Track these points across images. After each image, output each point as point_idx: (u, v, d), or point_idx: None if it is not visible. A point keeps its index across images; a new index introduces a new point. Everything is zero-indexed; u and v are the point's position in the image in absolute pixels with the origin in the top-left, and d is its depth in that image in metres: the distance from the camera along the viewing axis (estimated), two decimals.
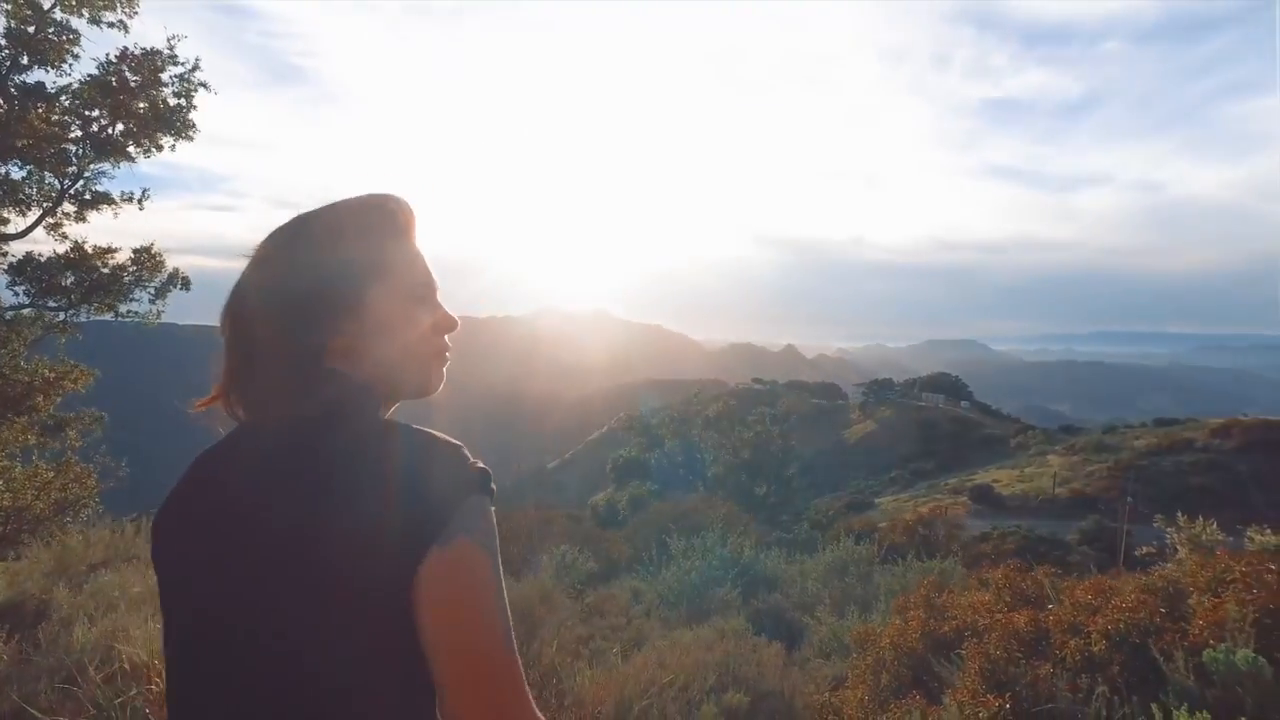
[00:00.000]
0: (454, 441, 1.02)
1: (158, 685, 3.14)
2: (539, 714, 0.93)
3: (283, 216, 1.12)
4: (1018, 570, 6.06)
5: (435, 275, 1.18)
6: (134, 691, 3.06)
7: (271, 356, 1.02)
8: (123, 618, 3.71)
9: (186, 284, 11.41)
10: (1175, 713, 3.37)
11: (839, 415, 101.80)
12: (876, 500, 46.66)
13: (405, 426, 1.03)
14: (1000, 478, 52.38)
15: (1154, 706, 3.47)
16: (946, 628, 5.37)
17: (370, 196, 1.12)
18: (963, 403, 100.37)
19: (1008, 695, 3.95)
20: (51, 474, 9.65)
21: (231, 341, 1.06)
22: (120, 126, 10.30)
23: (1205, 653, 3.66)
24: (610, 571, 12.97)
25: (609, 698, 4.33)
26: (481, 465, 1.00)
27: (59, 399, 9.92)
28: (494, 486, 1.01)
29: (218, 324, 1.08)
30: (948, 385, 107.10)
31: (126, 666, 3.26)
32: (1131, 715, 3.56)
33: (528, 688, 0.93)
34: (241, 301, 1.06)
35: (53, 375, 9.68)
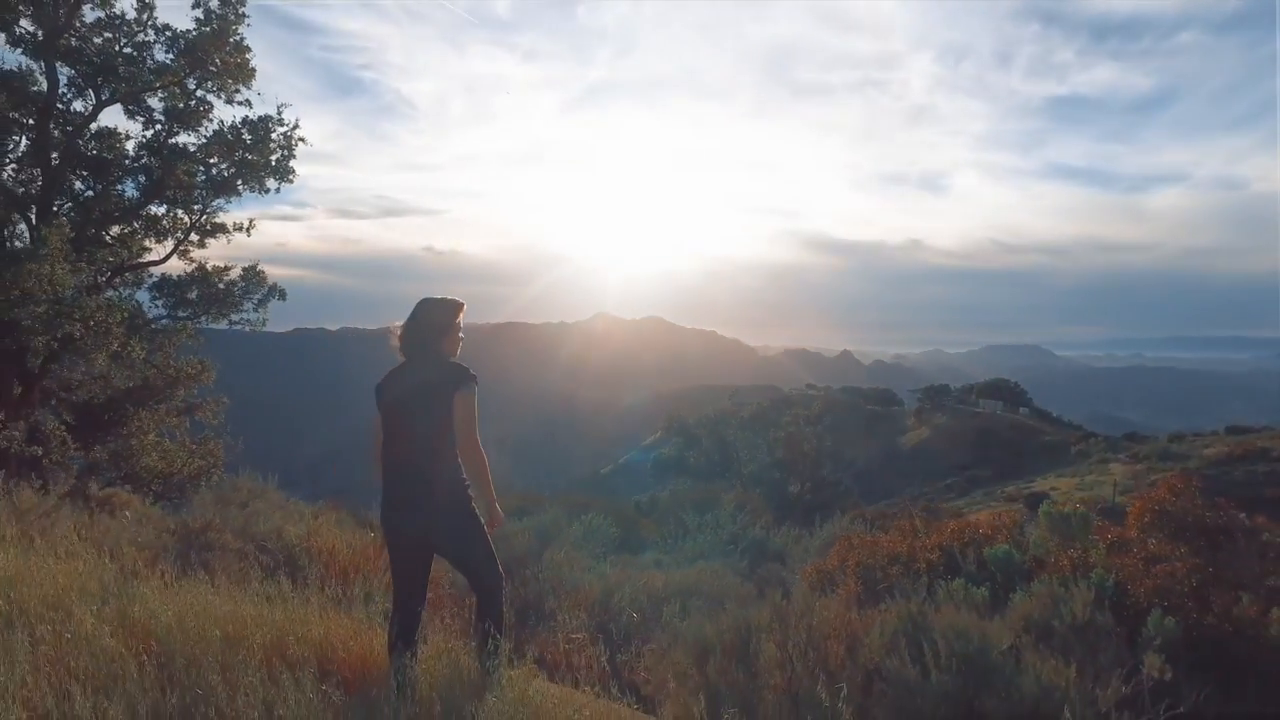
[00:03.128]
0: (467, 367, 3.35)
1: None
2: (482, 449, 3.20)
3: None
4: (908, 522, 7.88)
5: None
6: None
7: (423, 341, 3.37)
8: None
9: (283, 295, 13.93)
10: (955, 581, 5.20)
11: (895, 421, 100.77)
12: (928, 508, 47.11)
13: (455, 363, 3.44)
14: (1059, 486, 51.67)
15: (949, 582, 5.31)
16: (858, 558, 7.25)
17: (455, 299, 3.50)
18: (1022, 409, 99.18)
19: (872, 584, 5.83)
20: (195, 446, 12.38)
21: (410, 331, 3.46)
22: (231, 171, 12.93)
23: (985, 550, 5.49)
24: (637, 546, 14.80)
25: (598, 589, 6.33)
26: (473, 373, 3.32)
27: (195, 389, 12.65)
28: (477, 382, 3.34)
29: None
30: (1006, 391, 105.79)
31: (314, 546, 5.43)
32: (933, 586, 5.41)
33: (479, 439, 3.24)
34: (417, 320, 3.45)
35: (191, 371, 12.40)
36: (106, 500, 7.47)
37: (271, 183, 12.91)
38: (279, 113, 12.73)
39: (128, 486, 11.25)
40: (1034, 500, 44.01)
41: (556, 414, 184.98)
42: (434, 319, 3.46)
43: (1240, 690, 3.95)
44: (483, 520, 3.43)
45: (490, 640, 3.16)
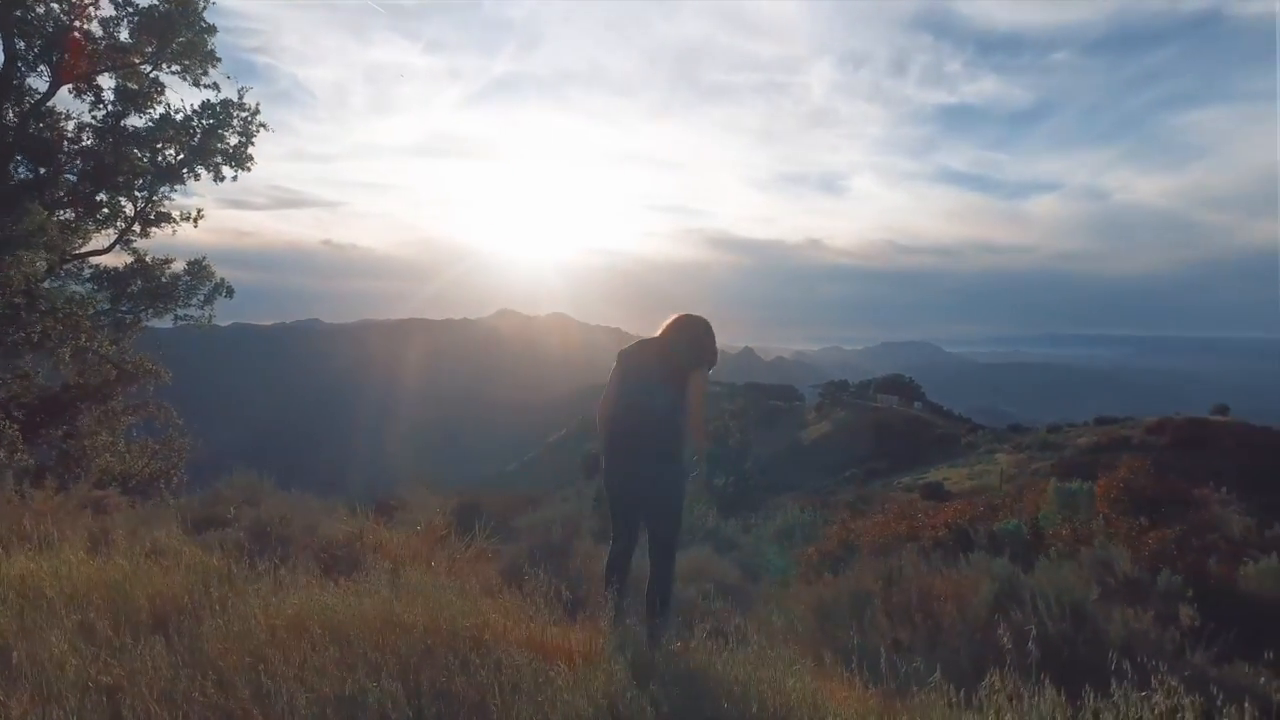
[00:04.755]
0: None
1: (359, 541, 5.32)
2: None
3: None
4: (904, 506, 8.51)
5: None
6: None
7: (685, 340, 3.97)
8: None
9: (230, 292, 13.39)
10: (974, 554, 5.74)
11: (796, 416, 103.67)
12: (828, 500, 49.09)
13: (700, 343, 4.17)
14: (951, 476, 54.66)
15: (964, 556, 5.84)
16: (854, 539, 7.77)
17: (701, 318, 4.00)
18: (916, 404, 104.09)
19: (887, 563, 6.31)
20: (157, 446, 11.73)
21: (675, 324, 4.11)
22: (181, 156, 12.34)
23: (995, 525, 6.07)
24: (604, 539, 14.98)
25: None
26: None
27: (152, 387, 12.01)
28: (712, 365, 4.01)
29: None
30: (902, 387, 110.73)
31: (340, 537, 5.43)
32: (950, 562, 5.94)
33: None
34: (685, 322, 4.06)
35: (150, 367, 11.77)
36: (99, 501, 7.12)
37: (229, 170, 12.37)
38: (240, 96, 12.21)
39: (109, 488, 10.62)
40: (929, 490, 46.52)
41: (459, 412, 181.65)
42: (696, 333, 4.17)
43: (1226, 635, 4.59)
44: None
45: (661, 605, 3.50)
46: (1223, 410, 63.29)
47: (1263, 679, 3.43)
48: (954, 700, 2.59)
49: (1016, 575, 3.92)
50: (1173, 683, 2.49)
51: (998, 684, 2.60)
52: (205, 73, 11.85)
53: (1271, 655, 3.75)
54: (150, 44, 11.26)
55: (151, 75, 11.65)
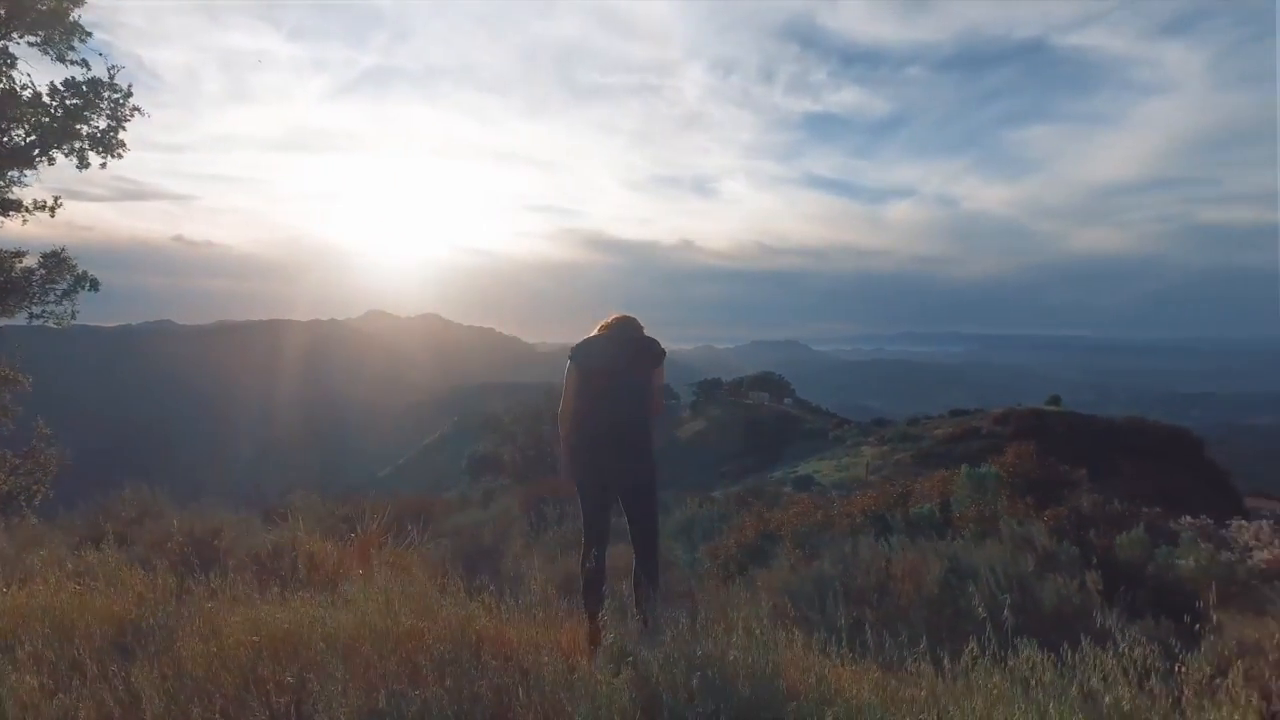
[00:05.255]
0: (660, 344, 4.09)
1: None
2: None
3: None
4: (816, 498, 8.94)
5: None
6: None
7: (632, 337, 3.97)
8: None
9: (95, 285, 12.25)
10: (892, 537, 6.15)
11: (671, 415, 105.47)
12: (706, 495, 50.16)
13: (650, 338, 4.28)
14: (821, 468, 57.16)
15: (885, 539, 6.23)
16: (771, 528, 8.09)
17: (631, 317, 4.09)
18: (786, 400, 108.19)
19: (807, 549, 6.63)
20: (18, 460, 10.47)
21: (616, 322, 4.20)
22: (33, 139, 11.16)
23: (912, 509, 6.52)
24: None
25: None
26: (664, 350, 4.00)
27: (9, 395, 10.74)
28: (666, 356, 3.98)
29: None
30: (773, 384, 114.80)
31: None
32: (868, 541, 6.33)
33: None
34: (625, 320, 4.09)
35: (5, 374, 10.54)
36: None
37: (95, 157, 11.24)
38: (111, 77, 11.12)
39: None
40: (801, 483, 48.65)
41: (327, 416, 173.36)
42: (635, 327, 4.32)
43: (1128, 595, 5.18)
44: None
45: (652, 591, 3.61)
46: (1056, 401, 69.96)
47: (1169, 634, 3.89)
48: (945, 667, 2.81)
49: (958, 554, 4.28)
50: (1124, 636, 2.80)
51: (975, 649, 2.84)
52: (71, 47, 10.72)
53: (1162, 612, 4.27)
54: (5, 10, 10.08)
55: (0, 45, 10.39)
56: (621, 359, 4.07)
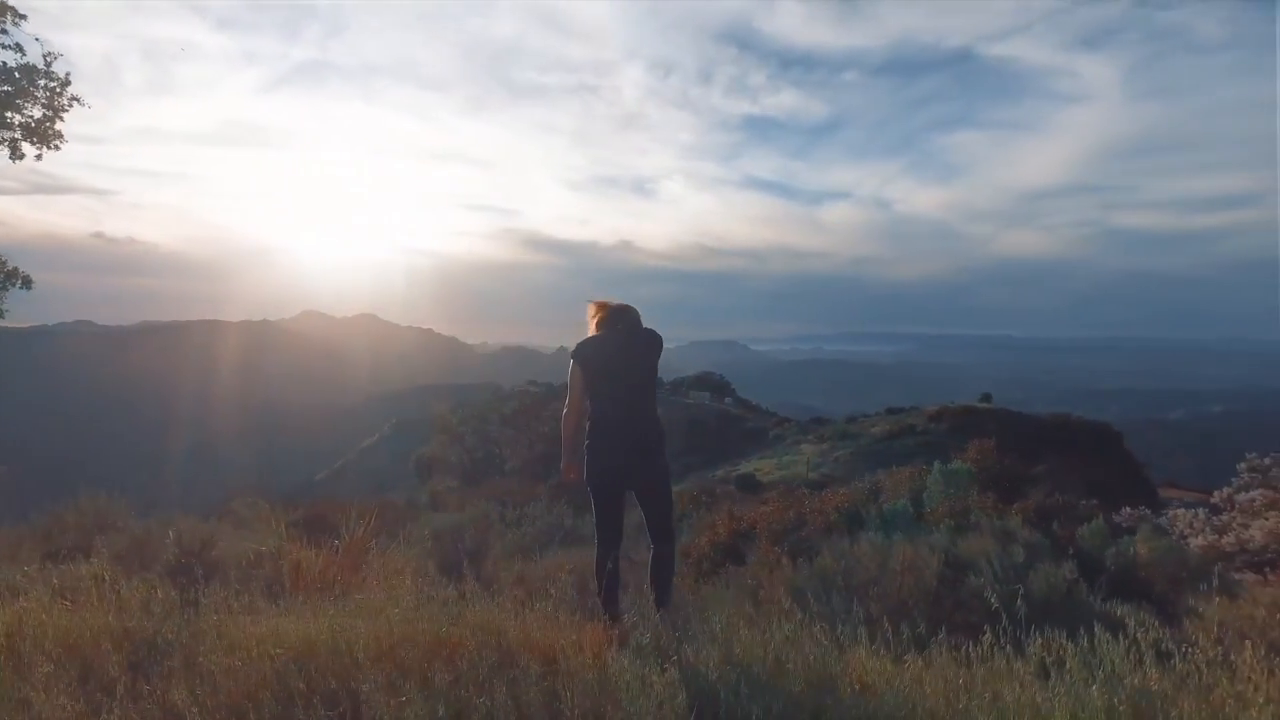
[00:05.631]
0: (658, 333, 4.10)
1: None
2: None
3: None
4: (784, 496, 9.12)
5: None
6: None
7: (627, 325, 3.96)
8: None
9: (27, 282, 11.65)
10: (865, 533, 6.32)
11: None
12: None
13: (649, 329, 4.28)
14: (762, 466, 57.95)
15: (860, 535, 6.40)
16: (744, 526, 8.22)
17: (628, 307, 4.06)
18: (727, 399, 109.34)
19: (784, 546, 6.77)
20: None
21: (615, 315, 4.11)
22: None
23: (885, 506, 6.71)
24: None
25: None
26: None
27: None
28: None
29: None
30: (713, 383, 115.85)
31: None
32: (845, 538, 6.50)
33: None
34: (623, 311, 4.00)
35: None
36: None
37: (29, 148, 10.66)
38: (47, 64, 10.51)
39: None
40: (743, 481, 49.26)
41: (260, 420, 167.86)
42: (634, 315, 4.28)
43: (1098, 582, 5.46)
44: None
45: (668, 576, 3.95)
46: (987, 399, 72.49)
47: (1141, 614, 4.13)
48: (960, 657, 2.94)
49: (951, 547, 4.45)
50: (1122, 621, 2.97)
51: (991, 638, 2.98)
52: (3, 30, 10.11)
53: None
54: None
55: None
56: (625, 357, 4.10)
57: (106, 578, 3.69)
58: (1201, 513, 11.37)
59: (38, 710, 2.35)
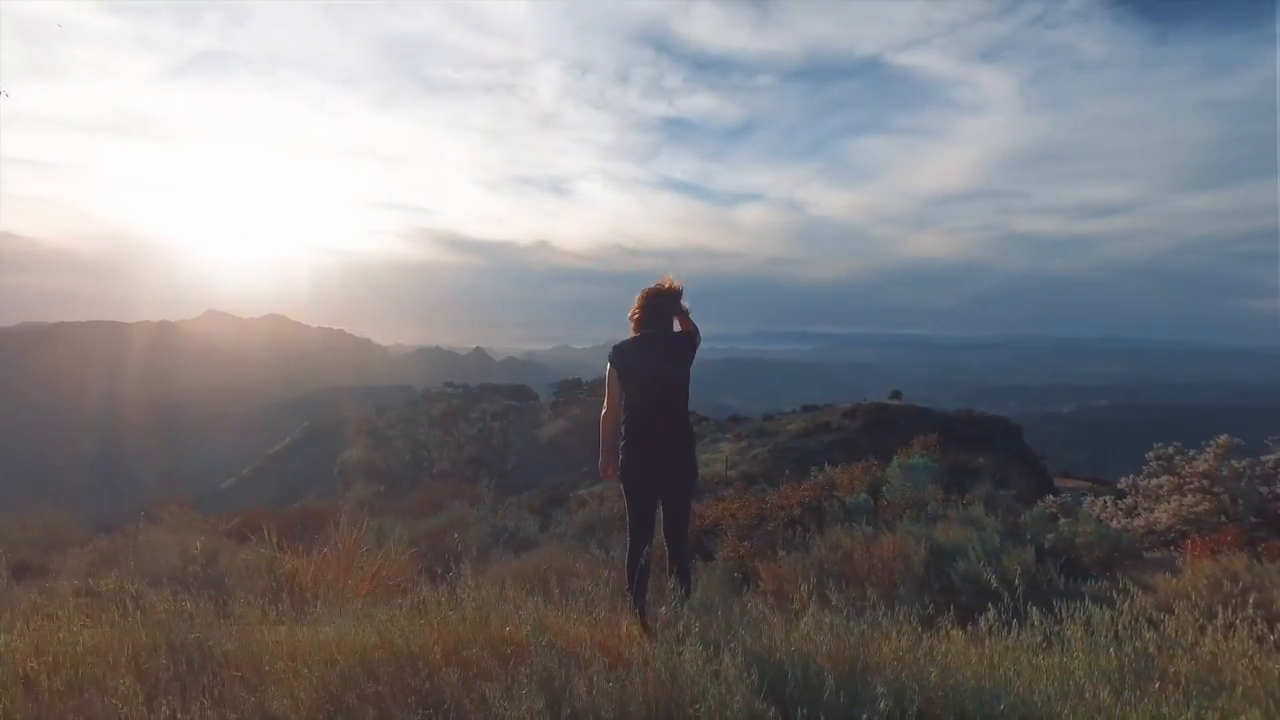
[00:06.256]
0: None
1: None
2: None
3: None
4: (742, 494, 9.46)
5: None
6: None
7: (664, 319, 4.07)
8: None
9: None
10: (833, 527, 6.70)
11: (532, 415, 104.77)
12: (571, 494, 50.55)
13: (680, 332, 4.46)
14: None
15: (824, 527, 6.77)
16: (707, 522, 8.52)
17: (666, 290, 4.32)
18: None
19: (751, 541, 7.09)
20: None
21: (651, 310, 4.28)
22: None
23: (847, 499, 7.11)
24: None
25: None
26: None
27: None
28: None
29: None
30: None
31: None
32: (807, 532, 6.86)
33: None
34: (661, 304, 4.19)
35: None
36: None
37: None
38: None
39: None
40: None
41: (161, 426, 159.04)
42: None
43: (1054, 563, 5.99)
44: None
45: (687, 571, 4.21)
46: (897, 395, 75.48)
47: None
48: (969, 633, 3.28)
49: (929, 535, 4.83)
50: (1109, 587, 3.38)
51: (993, 616, 3.34)
52: None
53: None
54: None
55: None
56: (657, 362, 4.27)
57: (133, 590, 3.65)
58: (1111, 500, 12.37)
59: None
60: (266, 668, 2.86)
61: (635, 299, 4.41)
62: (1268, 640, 2.82)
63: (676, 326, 4.42)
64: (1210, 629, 2.94)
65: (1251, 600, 3.01)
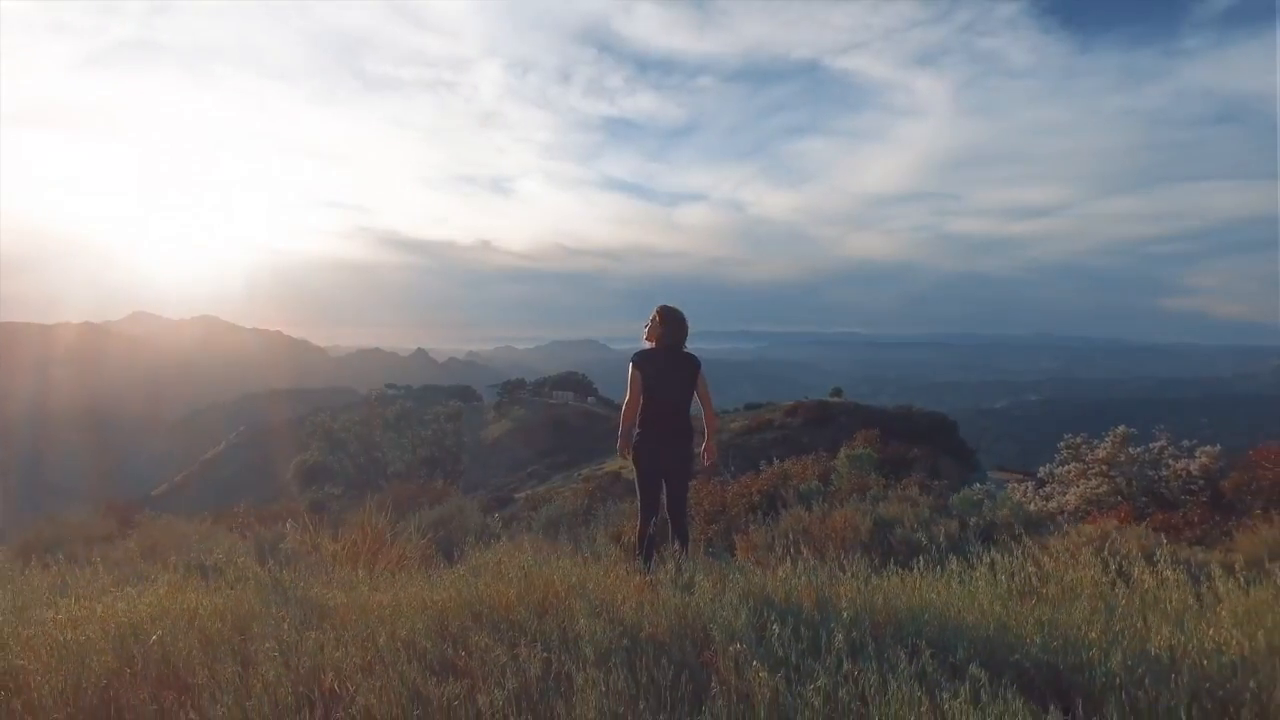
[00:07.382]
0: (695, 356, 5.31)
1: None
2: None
3: None
4: (704, 484, 10.44)
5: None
6: None
7: (681, 336, 5.11)
8: None
9: None
10: (790, 509, 7.72)
11: (475, 416, 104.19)
12: (515, 495, 51.03)
13: (690, 353, 5.47)
14: (626, 465, 59.20)
15: (782, 510, 7.80)
16: None
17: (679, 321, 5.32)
18: (590, 398, 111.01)
19: (718, 524, 8.09)
20: None
21: (673, 327, 5.27)
22: None
23: (801, 486, 8.17)
24: None
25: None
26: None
27: None
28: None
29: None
30: (576, 383, 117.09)
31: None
32: (764, 517, 7.87)
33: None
34: (677, 318, 5.15)
35: None
36: None
37: None
38: None
39: None
40: (608, 479, 50.39)
41: (87, 432, 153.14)
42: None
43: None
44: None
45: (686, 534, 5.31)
46: (838, 393, 78.05)
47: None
48: (904, 575, 4.31)
49: (874, 510, 5.88)
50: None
51: (922, 563, 4.38)
52: None
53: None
54: None
55: None
56: (671, 374, 5.31)
57: (237, 562, 4.43)
58: (1029, 486, 13.83)
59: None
60: (375, 614, 3.70)
61: (654, 313, 5.45)
62: (1110, 569, 3.92)
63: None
64: (1073, 566, 4.03)
65: (1107, 547, 4.10)
